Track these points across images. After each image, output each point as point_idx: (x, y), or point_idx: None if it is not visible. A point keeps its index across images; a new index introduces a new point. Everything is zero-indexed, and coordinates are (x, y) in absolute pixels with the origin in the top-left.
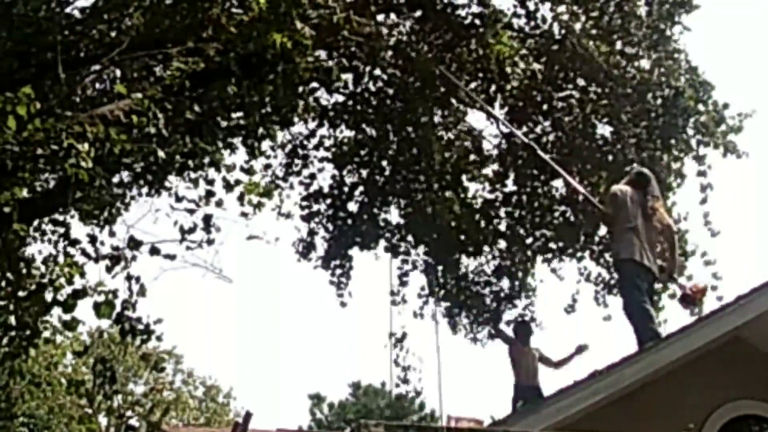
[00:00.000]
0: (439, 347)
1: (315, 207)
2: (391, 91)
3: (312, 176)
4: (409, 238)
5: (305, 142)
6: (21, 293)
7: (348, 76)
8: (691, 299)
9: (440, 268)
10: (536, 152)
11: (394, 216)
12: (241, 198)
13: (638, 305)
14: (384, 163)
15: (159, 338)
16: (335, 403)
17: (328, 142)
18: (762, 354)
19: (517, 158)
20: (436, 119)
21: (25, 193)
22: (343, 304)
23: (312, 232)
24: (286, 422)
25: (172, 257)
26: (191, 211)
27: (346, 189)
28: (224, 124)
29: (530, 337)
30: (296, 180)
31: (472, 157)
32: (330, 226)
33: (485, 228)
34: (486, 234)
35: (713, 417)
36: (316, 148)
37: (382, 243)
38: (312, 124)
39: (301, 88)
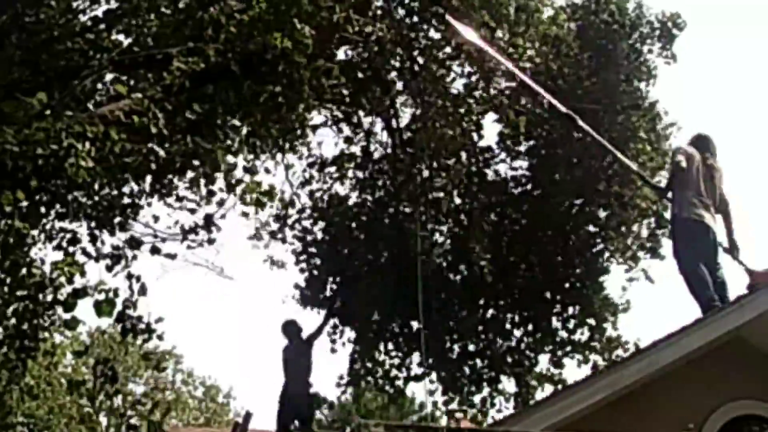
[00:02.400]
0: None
1: (311, 260)
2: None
3: (306, 230)
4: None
5: (299, 191)
6: (20, 292)
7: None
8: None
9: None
10: (575, 122)
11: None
12: (242, 198)
13: (691, 271)
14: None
15: (160, 337)
16: (335, 403)
17: (318, 194)
18: (762, 354)
19: None
20: None
21: (23, 196)
22: (333, 351)
23: (311, 278)
24: None
25: (172, 256)
26: (192, 211)
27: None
28: (225, 123)
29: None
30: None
31: None
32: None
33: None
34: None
35: (713, 417)
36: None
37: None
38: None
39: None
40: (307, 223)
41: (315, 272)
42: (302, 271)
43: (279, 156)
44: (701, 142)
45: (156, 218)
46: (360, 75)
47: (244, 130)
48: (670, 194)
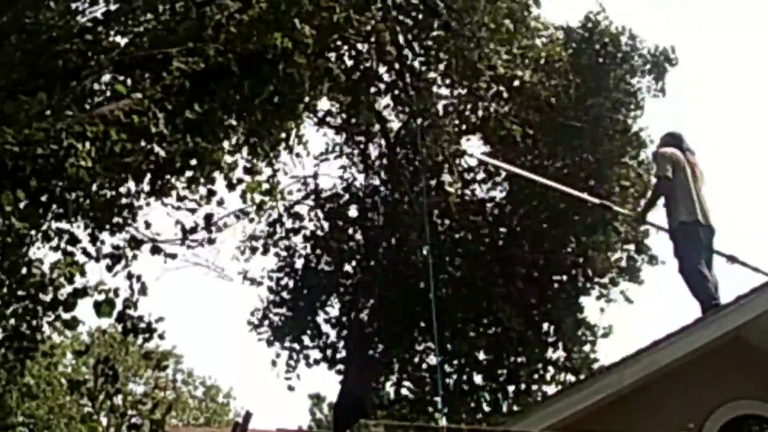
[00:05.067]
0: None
1: (284, 281)
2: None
3: (289, 249)
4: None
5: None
6: (21, 292)
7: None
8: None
9: None
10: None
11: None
12: (243, 197)
13: (694, 269)
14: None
15: (161, 336)
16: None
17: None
18: (762, 354)
19: None
20: None
21: (23, 196)
22: (290, 388)
23: (273, 303)
24: (286, 422)
25: (173, 256)
26: (192, 211)
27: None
28: (225, 123)
29: None
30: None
31: None
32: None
33: None
34: None
35: (713, 417)
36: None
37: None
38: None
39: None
40: (294, 240)
41: (297, 287)
42: (272, 290)
43: (276, 164)
44: (675, 140)
45: (148, 225)
46: (357, 79)
47: (244, 130)
48: (661, 201)
